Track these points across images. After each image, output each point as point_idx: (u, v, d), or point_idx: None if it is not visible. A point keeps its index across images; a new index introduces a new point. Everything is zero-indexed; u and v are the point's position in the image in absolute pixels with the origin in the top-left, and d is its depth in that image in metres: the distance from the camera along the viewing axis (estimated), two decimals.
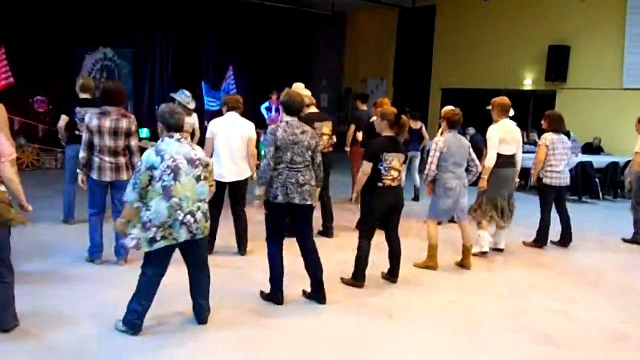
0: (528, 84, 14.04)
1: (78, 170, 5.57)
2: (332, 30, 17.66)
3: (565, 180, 7.13)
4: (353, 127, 8.91)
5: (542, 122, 7.31)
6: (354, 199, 5.67)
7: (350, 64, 18.63)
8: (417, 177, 9.85)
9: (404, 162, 5.44)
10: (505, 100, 6.67)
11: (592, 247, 7.45)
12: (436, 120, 11.57)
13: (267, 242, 4.91)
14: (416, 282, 5.65)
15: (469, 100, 11.99)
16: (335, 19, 17.12)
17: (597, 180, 11.01)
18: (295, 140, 4.70)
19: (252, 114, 11.23)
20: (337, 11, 16.51)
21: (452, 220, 6.51)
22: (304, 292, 5.02)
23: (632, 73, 12.17)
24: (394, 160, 5.28)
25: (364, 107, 9.27)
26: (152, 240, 3.99)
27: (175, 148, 4.08)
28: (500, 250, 6.84)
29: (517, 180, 6.89)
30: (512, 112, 6.64)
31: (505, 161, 6.52)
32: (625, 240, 7.73)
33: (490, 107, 6.69)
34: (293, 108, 4.88)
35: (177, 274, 4.32)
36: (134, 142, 5.60)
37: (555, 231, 7.28)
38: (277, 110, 12.02)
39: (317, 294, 4.93)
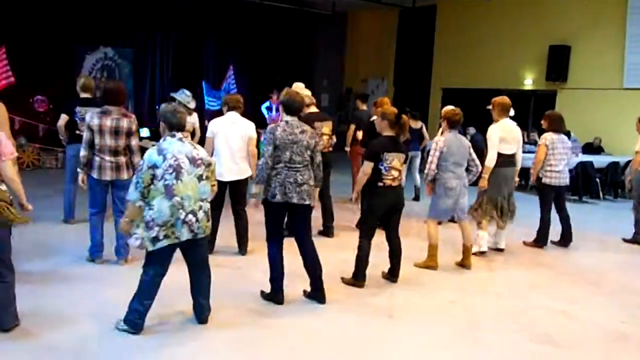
0: (528, 83, 14.04)
1: (78, 169, 5.57)
2: (332, 30, 17.66)
3: (564, 180, 7.13)
4: (353, 127, 8.91)
5: (542, 122, 7.31)
6: (354, 198, 5.67)
7: (350, 63, 18.63)
8: (418, 176, 9.84)
9: (404, 162, 5.44)
10: (505, 99, 6.67)
11: (592, 246, 7.45)
12: (436, 120, 11.57)
13: (267, 242, 4.91)
14: (416, 282, 5.65)
15: (469, 99, 11.98)
16: (336, 19, 17.12)
17: (598, 180, 11.01)
18: (294, 139, 4.70)
19: (252, 113, 11.23)
20: (338, 11, 16.51)
21: (452, 220, 6.51)
22: (305, 292, 5.02)
23: (632, 73, 12.17)
24: (394, 159, 5.28)
25: (364, 107, 9.28)
26: (155, 239, 3.99)
27: (177, 147, 4.09)
28: (501, 250, 6.84)
29: (517, 179, 6.88)
30: (512, 112, 6.64)
31: (505, 160, 6.52)
32: (625, 240, 7.73)
33: (490, 107, 6.69)
34: (293, 107, 4.88)
35: (177, 274, 4.32)
36: (134, 142, 5.61)
37: (555, 231, 7.28)
38: (278, 110, 12.01)
39: (316, 293, 4.93)
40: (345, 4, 15.89)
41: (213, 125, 6.02)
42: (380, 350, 4.16)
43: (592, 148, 12.49)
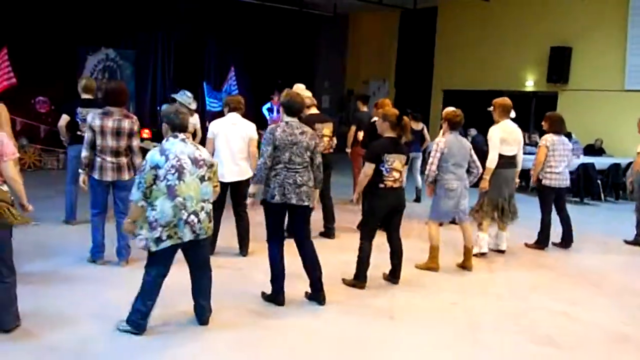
0: (529, 85, 14.04)
1: (80, 170, 5.57)
2: (334, 31, 17.68)
3: (564, 181, 7.12)
4: (354, 128, 8.92)
5: (543, 123, 7.31)
6: (355, 199, 5.67)
7: (352, 65, 18.65)
8: (419, 178, 9.84)
9: (406, 163, 5.44)
10: (506, 100, 6.67)
11: (593, 248, 7.44)
12: (437, 122, 11.56)
13: (268, 243, 4.91)
14: (417, 283, 5.65)
15: (470, 101, 12.00)
16: (337, 21, 17.14)
17: (599, 181, 11.00)
18: (294, 140, 4.70)
19: (253, 114, 11.23)
20: (339, 12, 16.52)
21: (453, 222, 6.51)
22: (306, 294, 5.02)
23: (633, 74, 12.16)
24: (395, 161, 5.28)
25: (365, 108, 9.29)
26: (158, 240, 4.00)
27: (180, 148, 4.10)
28: (502, 252, 6.84)
29: (517, 180, 6.88)
30: (513, 114, 6.64)
31: (506, 162, 6.52)
32: (627, 242, 7.72)
33: (491, 108, 6.69)
34: (293, 109, 4.89)
35: (178, 274, 4.32)
36: (135, 142, 5.62)
37: (556, 232, 7.28)
38: (279, 111, 12.00)
39: (316, 294, 4.93)
40: (346, 6, 15.90)
41: (214, 126, 6.03)
42: (381, 351, 4.16)
43: (593, 149, 12.49)
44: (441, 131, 6.28)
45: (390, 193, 5.32)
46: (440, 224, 6.22)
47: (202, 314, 4.36)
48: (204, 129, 7.53)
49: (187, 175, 4.05)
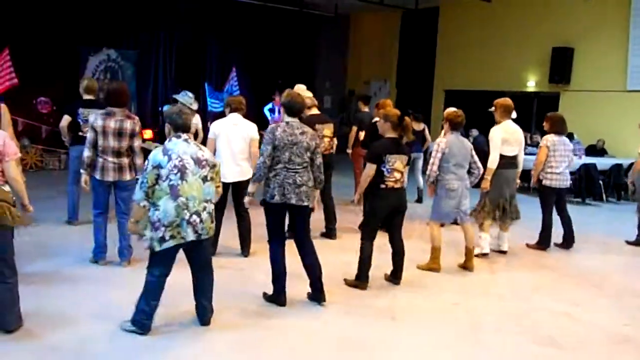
0: (531, 85, 14.03)
1: (82, 170, 5.58)
2: (335, 32, 17.68)
3: (565, 182, 7.12)
4: (355, 129, 8.91)
5: (544, 124, 7.30)
6: (356, 200, 5.67)
7: (353, 65, 18.65)
8: (420, 178, 9.84)
9: (407, 164, 5.43)
10: (507, 101, 6.67)
11: (595, 249, 7.44)
12: (439, 122, 11.56)
13: (269, 243, 4.91)
14: (419, 284, 5.64)
15: (472, 101, 12.00)
16: (338, 21, 17.14)
17: (601, 182, 10.99)
18: (294, 140, 4.71)
19: (254, 115, 11.23)
20: (340, 13, 16.51)
21: (454, 222, 6.51)
22: (308, 294, 5.01)
23: (635, 75, 12.15)
24: (397, 161, 5.27)
25: (366, 109, 9.29)
26: (162, 240, 4.01)
27: (183, 148, 4.10)
28: (503, 252, 6.83)
29: (519, 181, 6.88)
30: (514, 114, 6.64)
31: (507, 162, 6.52)
32: (628, 243, 7.71)
33: (492, 109, 6.69)
34: (294, 109, 4.89)
35: (180, 275, 4.32)
36: (137, 143, 5.63)
37: (557, 233, 7.27)
38: (280, 112, 12.02)
39: (316, 294, 4.93)
40: (347, 6, 15.90)
41: (215, 127, 6.03)
42: (382, 352, 4.15)
43: (595, 150, 12.47)
44: (442, 131, 6.27)
45: (391, 194, 5.32)
46: (442, 225, 6.22)
47: (204, 314, 4.36)
48: (206, 130, 7.53)
49: (189, 175, 4.05)
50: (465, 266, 6.15)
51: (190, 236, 4.07)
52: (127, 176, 5.59)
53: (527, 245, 7.26)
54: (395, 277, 5.57)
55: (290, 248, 4.95)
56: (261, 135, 6.16)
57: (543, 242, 7.17)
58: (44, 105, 12.45)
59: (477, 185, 6.37)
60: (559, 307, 5.21)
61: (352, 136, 8.97)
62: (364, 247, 5.35)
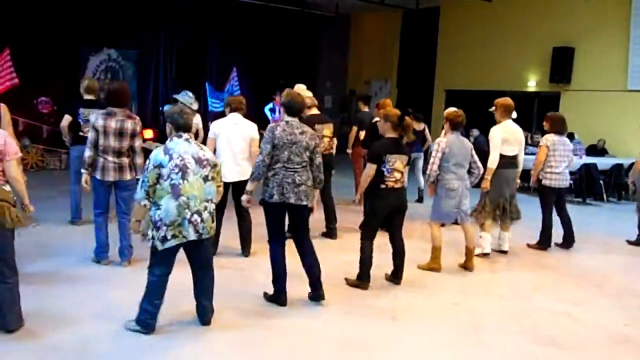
0: (532, 85, 14.02)
1: (82, 170, 5.59)
2: (335, 31, 17.68)
3: (564, 182, 7.11)
4: (355, 129, 8.92)
5: (544, 123, 7.31)
6: (357, 200, 5.67)
7: (354, 65, 18.65)
8: (421, 178, 9.83)
9: (407, 164, 5.43)
10: (508, 100, 6.67)
11: (595, 249, 7.44)
12: (440, 122, 11.57)
13: (269, 243, 4.91)
14: (420, 284, 5.64)
15: (472, 101, 12.00)
16: (339, 21, 17.14)
17: (601, 181, 10.98)
18: (293, 139, 4.71)
19: (255, 115, 11.23)
20: (341, 13, 16.52)
21: (455, 222, 6.50)
22: (309, 295, 5.01)
23: (636, 75, 12.14)
24: (397, 161, 5.27)
25: (366, 109, 9.29)
26: (164, 239, 4.02)
27: (184, 147, 4.11)
28: (504, 252, 6.83)
29: (519, 181, 6.88)
30: (514, 114, 6.64)
31: (507, 162, 6.52)
32: (629, 242, 7.71)
33: (493, 108, 6.69)
34: (294, 109, 4.89)
35: (181, 275, 4.33)
36: (137, 143, 5.64)
37: (558, 233, 7.27)
38: (280, 111, 12.02)
39: (315, 293, 4.94)
40: (348, 6, 15.90)
41: (215, 127, 6.03)
42: (383, 352, 4.15)
43: (595, 150, 12.47)
44: (443, 131, 6.27)
45: (391, 194, 5.32)
46: (443, 225, 6.22)
47: (204, 314, 4.36)
48: (206, 129, 7.54)
49: (190, 174, 4.06)
50: (466, 266, 6.15)
51: (192, 235, 4.07)
52: (128, 176, 5.60)
53: (528, 245, 7.26)
54: (395, 277, 5.57)
55: (291, 248, 4.95)
56: (261, 135, 6.16)
57: (544, 242, 7.17)
58: (45, 105, 12.46)
59: (477, 185, 6.37)
60: (560, 307, 5.21)
61: (352, 136, 8.97)
62: (364, 247, 5.35)
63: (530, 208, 7.57)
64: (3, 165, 4.00)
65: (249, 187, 4.96)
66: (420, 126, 9.98)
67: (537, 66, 13.75)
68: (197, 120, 7.69)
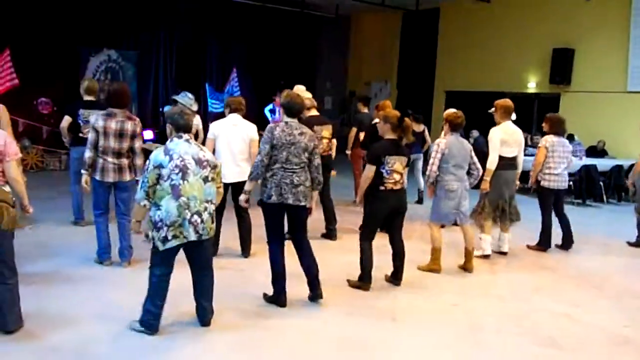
0: (532, 86, 14.03)
1: (82, 171, 5.59)
2: (335, 32, 17.69)
3: (563, 183, 7.11)
4: (354, 130, 8.92)
5: (543, 125, 7.31)
6: (357, 201, 5.67)
7: (354, 66, 18.66)
8: (421, 179, 9.83)
9: (406, 165, 5.43)
10: (508, 102, 6.68)
11: (595, 250, 7.44)
12: (440, 123, 11.60)
13: (268, 244, 4.91)
14: (419, 285, 5.64)
15: (472, 102, 12.00)
16: (339, 22, 17.16)
17: (601, 183, 10.99)
18: (292, 140, 4.71)
19: (255, 115, 11.24)
20: (341, 14, 16.54)
21: (455, 223, 6.51)
22: (309, 296, 5.01)
23: (636, 76, 12.15)
24: (396, 163, 5.27)
25: (365, 110, 9.29)
26: (165, 239, 4.03)
27: (184, 148, 4.12)
28: (504, 253, 6.83)
29: (518, 182, 6.88)
30: (514, 116, 6.64)
31: (506, 163, 6.52)
32: (629, 244, 7.71)
33: (492, 110, 6.70)
34: (293, 110, 4.89)
35: (181, 276, 4.33)
36: (137, 144, 5.64)
37: (557, 234, 7.27)
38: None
39: (313, 292, 4.94)
40: (348, 7, 15.92)
41: (214, 127, 6.04)
42: (383, 353, 4.15)
43: (595, 151, 12.47)
44: (442, 133, 6.28)
45: (390, 195, 5.32)
46: (442, 226, 6.22)
47: (204, 315, 4.36)
48: (206, 130, 7.55)
49: (190, 175, 4.07)
50: (465, 267, 6.15)
51: (192, 236, 4.08)
52: (127, 177, 5.60)
53: (528, 246, 7.26)
54: (395, 278, 5.58)
55: (290, 249, 4.95)
56: (261, 136, 6.17)
57: (543, 243, 7.17)
58: (45, 105, 12.47)
59: (476, 187, 6.37)
60: (559, 308, 5.21)
61: (351, 137, 8.97)
62: (363, 248, 5.35)
63: (530, 209, 7.57)
64: (3, 165, 4.00)
65: (247, 187, 4.97)
66: (419, 127, 9.98)
67: (537, 67, 13.76)
68: (197, 121, 7.69)
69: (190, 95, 7.26)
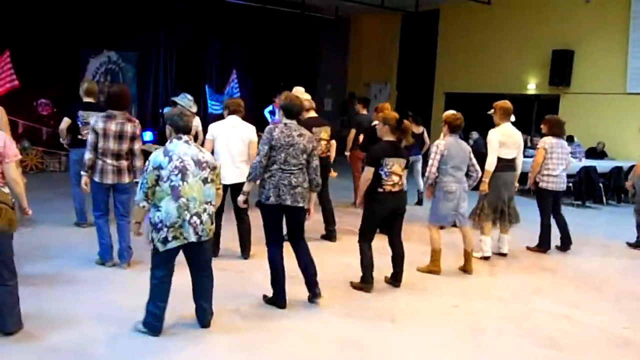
0: (531, 88, 14.04)
1: (82, 172, 5.58)
2: (335, 34, 17.70)
3: (562, 185, 7.11)
4: (353, 131, 8.93)
5: (542, 126, 7.31)
6: (357, 203, 5.67)
7: (353, 68, 18.67)
8: (420, 181, 9.84)
9: (405, 167, 5.44)
10: (507, 103, 6.68)
11: (595, 251, 7.44)
12: (439, 124, 11.60)
13: (267, 246, 4.91)
14: (419, 286, 5.64)
15: (472, 104, 12.01)
16: (339, 23, 17.16)
17: (601, 184, 10.99)
18: (290, 142, 4.72)
19: (255, 117, 11.24)
20: (341, 15, 16.55)
21: (454, 225, 6.51)
22: (309, 297, 5.01)
23: (635, 77, 12.16)
24: (395, 165, 5.27)
25: (364, 111, 9.29)
26: (165, 240, 4.03)
27: (183, 149, 4.12)
28: (503, 255, 6.83)
29: (517, 184, 6.88)
30: (513, 118, 6.64)
31: (505, 165, 6.52)
32: (629, 245, 7.71)
33: (492, 111, 6.70)
34: (293, 111, 4.90)
35: (180, 277, 4.32)
36: (137, 146, 5.64)
37: (556, 235, 7.27)
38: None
39: (311, 292, 4.95)
40: (348, 9, 15.92)
41: (213, 129, 6.04)
42: (383, 354, 4.15)
43: (595, 153, 12.48)
44: (442, 134, 6.28)
45: (389, 197, 5.32)
46: (442, 228, 6.21)
47: (204, 316, 4.36)
48: (206, 132, 7.55)
49: (190, 176, 4.07)
50: (465, 269, 6.15)
51: (192, 237, 4.08)
52: (126, 179, 5.60)
53: (528, 248, 7.26)
54: (395, 279, 5.57)
55: (288, 250, 4.95)
56: (260, 137, 6.17)
57: (543, 245, 7.17)
58: (45, 107, 12.47)
59: (475, 188, 6.37)
60: (559, 310, 5.21)
61: (350, 138, 8.98)
62: (363, 250, 5.35)
63: (529, 211, 7.57)
64: (2, 167, 4.00)
65: (245, 187, 4.98)
66: (419, 129, 9.99)
67: (537, 69, 13.77)
68: (196, 122, 7.69)
69: (189, 96, 7.25)
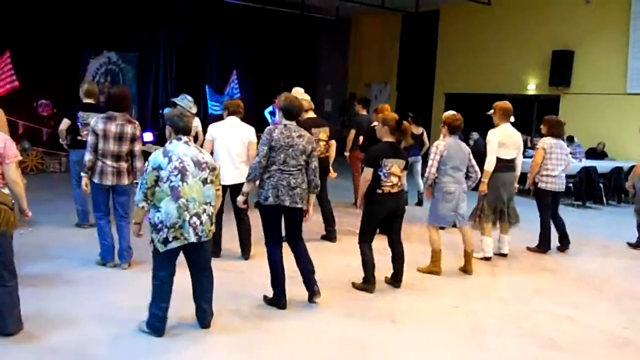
0: (531, 88, 14.04)
1: (82, 174, 5.58)
2: (336, 34, 17.71)
3: (560, 185, 7.11)
4: (353, 132, 8.93)
5: (541, 127, 7.32)
6: (358, 204, 5.66)
7: (354, 68, 18.68)
8: (420, 181, 9.83)
9: (405, 168, 5.43)
10: (507, 104, 6.68)
11: (595, 252, 7.44)
12: (439, 125, 11.60)
13: (266, 246, 4.91)
14: (419, 287, 5.64)
15: (472, 105, 12.01)
16: (339, 24, 17.17)
17: (601, 185, 10.99)
18: (290, 143, 4.72)
19: (255, 117, 11.25)
20: (341, 16, 16.55)
21: (454, 226, 6.50)
22: (309, 298, 5.01)
23: (635, 78, 12.17)
24: (394, 165, 5.27)
25: (364, 112, 9.30)
26: (165, 241, 4.03)
27: (183, 150, 4.12)
28: (504, 255, 6.83)
29: (517, 185, 6.88)
30: (512, 118, 6.64)
31: (504, 165, 6.52)
32: (630, 245, 7.71)
33: (491, 112, 6.70)
34: (292, 112, 4.90)
35: (180, 278, 4.32)
36: (137, 147, 5.65)
37: (556, 236, 7.27)
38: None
39: (310, 291, 4.96)
40: (348, 9, 15.93)
41: (212, 129, 6.04)
42: (383, 355, 4.15)
43: (595, 153, 12.48)
44: (441, 135, 6.28)
45: (388, 198, 5.31)
46: (442, 228, 6.21)
47: (204, 317, 4.36)
48: (206, 133, 7.55)
49: (189, 177, 4.07)
50: (465, 269, 6.15)
51: (192, 237, 4.08)
52: (125, 181, 5.61)
53: (528, 248, 7.26)
54: (395, 280, 5.57)
55: (288, 250, 4.95)
56: (259, 138, 6.17)
57: (543, 245, 7.17)
58: (45, 107, 12.48)
59: (475, 189, 6.37)
60: (560, 310, 5.20)
61: (350, 139, 8.98)
62: (363, 251, 5.35)
63: (529, 211, 7.57)
64: (2, 168, 4.00)
65: (245, 188, 4.98)
66: (418, 130, 9.98)
67: (537, 69, 13.78)
68: (196, 123, 7.70)
69: (189, 97, 7.26)
